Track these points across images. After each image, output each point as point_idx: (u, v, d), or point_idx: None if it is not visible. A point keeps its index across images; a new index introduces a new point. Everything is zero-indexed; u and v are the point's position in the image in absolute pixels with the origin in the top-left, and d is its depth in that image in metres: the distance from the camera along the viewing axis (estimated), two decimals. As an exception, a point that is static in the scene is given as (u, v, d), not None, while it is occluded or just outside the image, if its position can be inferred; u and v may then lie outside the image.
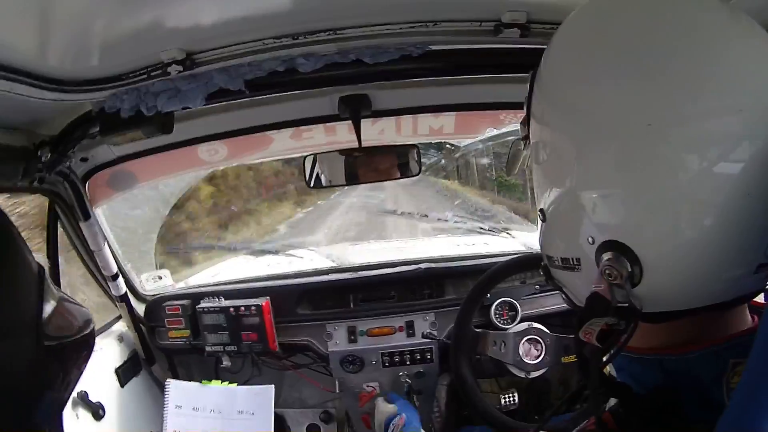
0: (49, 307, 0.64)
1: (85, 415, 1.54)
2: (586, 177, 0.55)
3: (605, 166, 0.53)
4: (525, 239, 2.08)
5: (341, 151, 1.46)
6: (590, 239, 0.55)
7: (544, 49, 1.05)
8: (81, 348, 0.75)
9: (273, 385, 1.67)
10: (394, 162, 1.51)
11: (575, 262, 0.59)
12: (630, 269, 0.52)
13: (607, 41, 0.55)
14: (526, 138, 0.67)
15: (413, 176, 1.57)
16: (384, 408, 1.54)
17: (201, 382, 1.71)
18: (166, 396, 1.66)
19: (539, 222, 0.65)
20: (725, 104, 0.50)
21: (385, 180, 1.60)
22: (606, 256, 0.54)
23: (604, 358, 0.55)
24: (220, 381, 1.73)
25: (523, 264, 1.53)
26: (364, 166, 1.47)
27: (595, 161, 0.54)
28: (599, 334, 0.53)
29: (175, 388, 1.68)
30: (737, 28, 0.53)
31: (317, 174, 1.52)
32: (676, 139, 0.49)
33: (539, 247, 0.68)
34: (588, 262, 0.56)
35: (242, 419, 1.62)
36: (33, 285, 0.62)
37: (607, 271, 0.53)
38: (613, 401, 0.62)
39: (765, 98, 0.50)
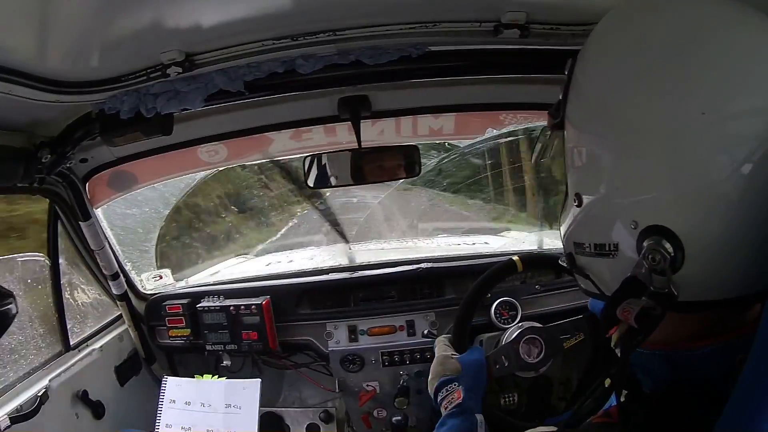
0: None
1: (85, 414, 1.54)
2: (629, 175, 0.57)
3: (649, 164, 0.55)
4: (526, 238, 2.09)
5: (339, 153, 1.46)
6: (633, 224, 0.56)
7: (543, 49, 1.05)
8: None
9: (259, 380, 1.66)
10: (397, 162, 1.51)
11: (612, 248, 0.59)
12: (673, 254, 0.53)
13: (644, 47, 0.57)
14: (554, 127, 0.68)
15: (414, 176, 1.57)
16: (445, 363, 1.20)
17: (194, 376, 1.71)
18: (162, 392, 1.67)
19: (571, 207, 0.65)
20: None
21: (389, 180, 1.60)
22: (649, 240, 0.54)
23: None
24: (211, 375, 1.73)
25: (525, 263, 1.52)
26: (365, 166, 1.47)
27: (638, 161, 0.56)
28: (638, 316, 0.54)
29: (171, 383, 1.70)
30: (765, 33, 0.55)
31: (320, 173, 1.52)
32: (717, 135, 0.52)
33: (566, 234, 0.68)
34: (626, 248, 0.57)
35: (229, 413, 1.64)
36: None
37: (650, 256, 0.54)
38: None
39: None
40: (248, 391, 1.66)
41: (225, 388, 1.68)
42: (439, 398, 1.13)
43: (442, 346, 1.28)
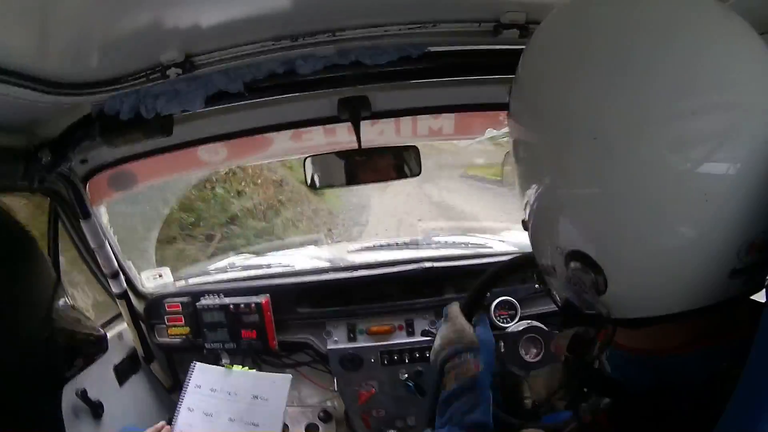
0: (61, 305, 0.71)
1: (84, 413, 1.55)
2: (555, 178, 0.56)
3: (572, 170, 0.53)
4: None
5: (339, 153, 1.46)
6: (558, 249, 0.56)
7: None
8: (88, 345, 0.80)
9: (290, 376, 1.64)
10: (398, 162, 1.51)
11: (551, 270, 0.60)
12: (594, 279, 0.53)
13: (583, 41, 0.55)
14: None
15: (413, 177, 1.57)
16: (461, 332, 1.10)
17: (225, 366, 1.69)
18: (189, 375, 1.65)
19: None
20: (696, 105, 0.49)
21: (385, 181, 1.59)
22: (572, 265, 0.55)
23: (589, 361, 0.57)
24: (241, 366, 1.72)
25: (526, 263, 1.52)
26: (364, 166, 1.47)
27: (563, 164, 0.54)
28: (570, 344, 0.55)
29: (199, 369, 1.68)
30: (721, 25, 0.52)
31: (321, 174, 1.52)
32: (645, 143, 0.49)
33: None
34: (559, 270, 0.58)
35: (255, 404, 1.61)
36: (49, 287, 0.69)
37: (572, 280, 0.55)
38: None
39: (749, 98, 0.49)
40: (278, 385, 1.63)
41: (254, 379, 1.66)
42: (449, 365, 1.06)
43: (456, 312, 1.18)
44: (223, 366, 1.70)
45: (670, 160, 0.48)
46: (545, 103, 0.57)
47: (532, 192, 0.59)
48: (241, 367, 1.71)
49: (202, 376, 1.66)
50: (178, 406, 1.60)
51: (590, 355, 0.55)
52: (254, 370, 1.70)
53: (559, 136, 0.54)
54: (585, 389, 0.59)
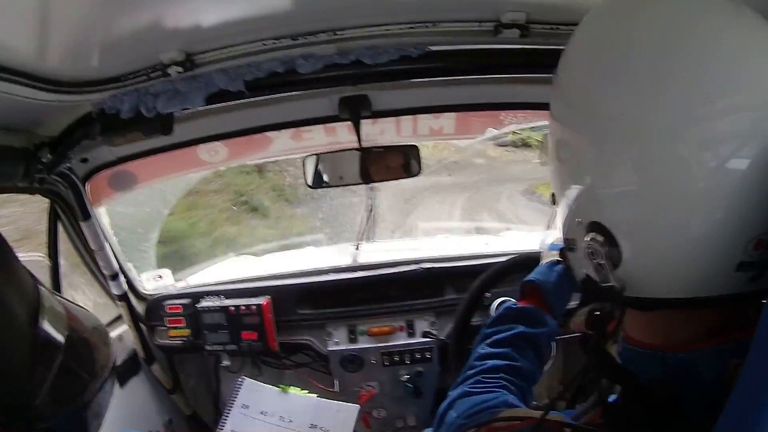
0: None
1: None
2: (576, 170, 0.60)
3: (592, 159, 0.57)
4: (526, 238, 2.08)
5: (348, 151, 1.46)
6: (579, 220, 0.60)
7: (543, 49, 1.06)
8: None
9: (358, 406, 1.57)
10: (398, 162, 1.51)
11: (572, 244, 0.63)
12: (609, 250, 0.56)
13: (621, 45, 0.57)
14: None
15: (415, 176, 1.57)
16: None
17: (279, 387, 1.60)
18: (235, 393, 1.57)
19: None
20: (724, 105, 0.51)
21: (390, 179, 1.59)
22: (590, 236, 0.58)
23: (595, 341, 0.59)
24: (299, 389, 1.62)
25: (525, 263, 1.52)
26: (375, 165, 1.47)
27: (583, 155, 0.58)
28: (588, 321, 0.57)
29: (248, 387, 1.57)
30: (747, 28, 0.54)
31: (320, 173, 1.52)
32: (664, 139, 0.51)
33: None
34: (580, 243, 0.61)
35: None
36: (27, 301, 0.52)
37: (589, 250, 0.58)
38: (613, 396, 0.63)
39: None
40: (342, 415, 1.51)
41: (315, 406, 1.54)
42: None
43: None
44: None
45: (696, 157, 0.51)
46: (584, 105, 0.59)
47: (560, 172, 0.63)
48: (299, 389, 1.61)
49: (250, 395, 1.55)
50: (220, 425, 1.50)
51: (607, 333, 0.57)
52: (315, 395, 1.60)
53: (587, 130, 0.58)
54: (600, 375, 0.60)
